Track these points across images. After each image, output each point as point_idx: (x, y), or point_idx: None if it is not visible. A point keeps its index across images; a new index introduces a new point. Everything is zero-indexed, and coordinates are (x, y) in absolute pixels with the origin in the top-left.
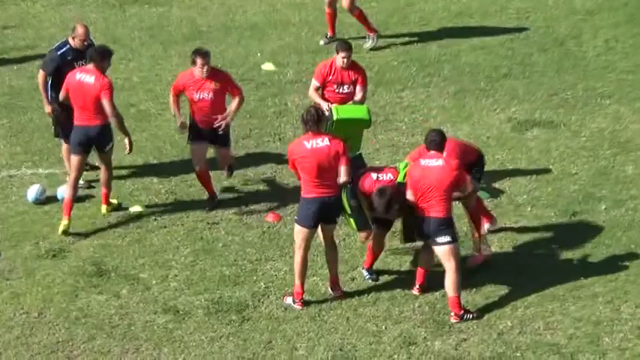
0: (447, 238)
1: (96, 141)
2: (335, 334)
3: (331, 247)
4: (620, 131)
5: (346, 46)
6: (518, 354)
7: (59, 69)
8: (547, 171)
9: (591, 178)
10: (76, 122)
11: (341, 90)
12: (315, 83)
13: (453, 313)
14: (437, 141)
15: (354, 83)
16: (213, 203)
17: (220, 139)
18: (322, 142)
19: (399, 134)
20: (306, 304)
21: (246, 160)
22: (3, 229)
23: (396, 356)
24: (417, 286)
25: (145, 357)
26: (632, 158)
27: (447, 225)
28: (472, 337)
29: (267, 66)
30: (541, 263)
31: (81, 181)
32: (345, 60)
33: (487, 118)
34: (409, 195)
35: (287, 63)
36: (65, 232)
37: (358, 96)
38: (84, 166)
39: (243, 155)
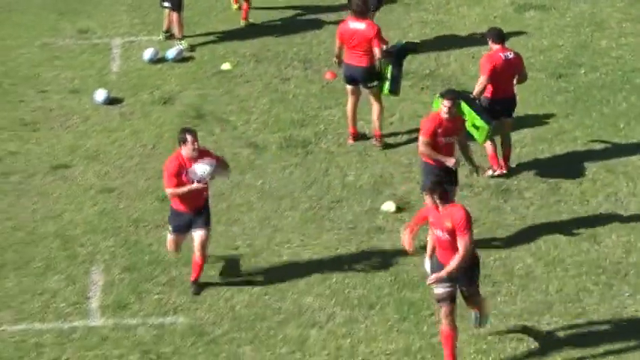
0: None
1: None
2: (376, 165)
3: (374, 103)
4: (597, 13)
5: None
6: (515, 182)
7: None
8: (540, 42)
9: (574, 49)
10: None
11: None
12: None
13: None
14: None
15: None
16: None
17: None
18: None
19: (427, 13)
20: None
21: (310, 35)
22: (125, 81)
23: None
24: None
25: (232, 180)
26: (606, 34)
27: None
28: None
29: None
30: (535, 113)
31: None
32: None
33: (494, 1)
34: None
35: None
36: None
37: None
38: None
39: (308, 31)
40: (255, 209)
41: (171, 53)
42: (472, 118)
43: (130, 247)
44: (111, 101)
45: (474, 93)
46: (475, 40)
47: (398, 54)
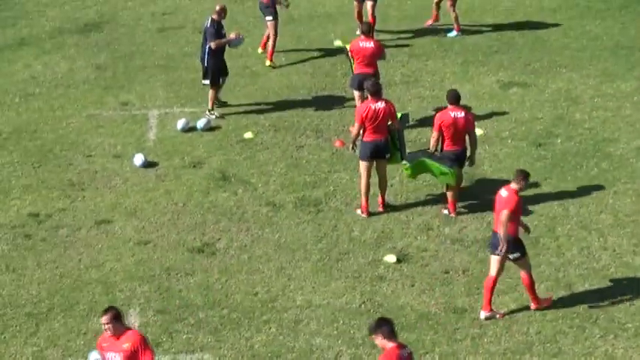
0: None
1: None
2: (378, 222)
3: (382, 177)
4: (572, 90)
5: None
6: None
7: (217, 37)
8: (522, 115)
9: (551, 121)
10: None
11: None
12: None
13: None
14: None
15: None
16: None
17: None
18: (381, 104)
19: (424, 89)
20: (359, 201)
21: (321, 107)
22: (160, 147)
23: (419, 237)
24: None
25: (253, 234)
26: (580, 108)
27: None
28: (469, 226)
29: (338, 42)
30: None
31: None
32: None
33: (483, 80)
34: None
35: (350, 40)
36: None
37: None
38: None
39: (319, 104)
40: (272, 260)
41: (200, 123)
42: (437, 168)
43: (163, 292)
44: (148, 165)
45: (430, 147)
46: None
47: (401, 125)
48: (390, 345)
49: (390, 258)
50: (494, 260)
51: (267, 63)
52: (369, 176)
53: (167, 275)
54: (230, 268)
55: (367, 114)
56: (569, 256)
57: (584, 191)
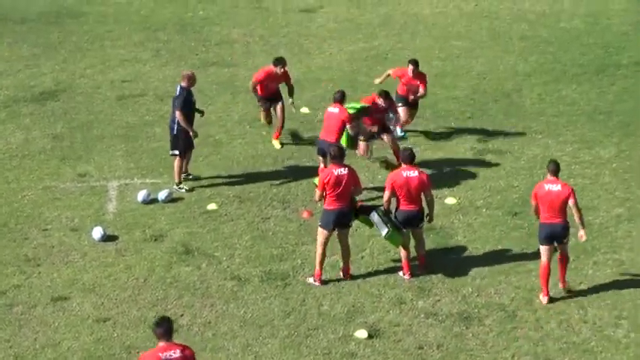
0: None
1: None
2: (349, 295)
3: (345, 246)
4: (548, 157)
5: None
6: (475, 310)
7: (185, 105)
8: (497, 183)
9: (528, 189)
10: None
11: None
12: None
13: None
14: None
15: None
16: None
17: None
18: (343, 170)
19: (393, 157)
20: (328, 274)
21: (288, 177)
22: (120, 220)
23: (391, 311)
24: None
25: (217, 310)
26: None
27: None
28: (444, 299)
29: (304, 109)
30: (493, 247)
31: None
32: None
33: (456, 147)
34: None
35: (317, 107)
36: None
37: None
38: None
39: (286, 173)
40: (238, 337)
41: (162, 195)
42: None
43: None
44: (107, 238)
45: (384, 207)
46: (439, 181)
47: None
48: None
49: (361, 333)
50: (545, 250)
51: (274, 142)
52: (325, 245)
53: (128, 354)
54: (194, 345)
55: (329, 180)
56: (548, 329)
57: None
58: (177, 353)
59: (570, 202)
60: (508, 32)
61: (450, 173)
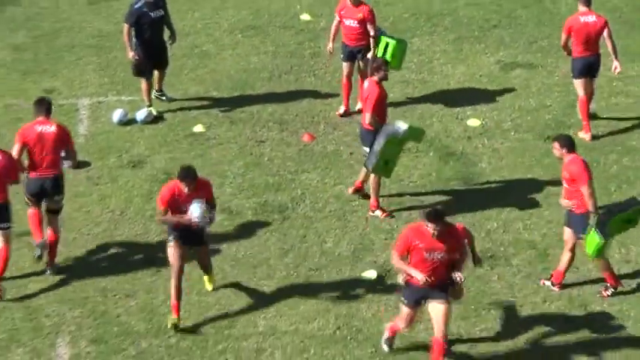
0: None
1: None
2: (356, 231)
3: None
4: None
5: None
6: (501, 249)
7: (138, 20)
8: (527, 103)
9: (562, 109)
10: None
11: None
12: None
13: None
14: None
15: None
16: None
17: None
18: None
19: (410, 72)
20: (332, 206)
21: (286, 94)
22: (93, 144)
23: None
24: None
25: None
26: (596, 94)
27: None
28: None
29: (305, 16)
30: (522, 176)
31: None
32: None
33: (479, 60)
34: None
35: (320, 14)
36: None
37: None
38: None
39: (284, 90)
40: (229, 278)
41: (141, 115)
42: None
43: (98, 317)
44: (77, 164)
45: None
46: (459, 100)
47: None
48: None
49: (370, 274)
50: (580, 83)
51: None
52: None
53: (103, 297)
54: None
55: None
56: (585, 270)
57: (601, 192)
58: (52, 127)
59: (605, 32)
60: None
61: (472, 91)
